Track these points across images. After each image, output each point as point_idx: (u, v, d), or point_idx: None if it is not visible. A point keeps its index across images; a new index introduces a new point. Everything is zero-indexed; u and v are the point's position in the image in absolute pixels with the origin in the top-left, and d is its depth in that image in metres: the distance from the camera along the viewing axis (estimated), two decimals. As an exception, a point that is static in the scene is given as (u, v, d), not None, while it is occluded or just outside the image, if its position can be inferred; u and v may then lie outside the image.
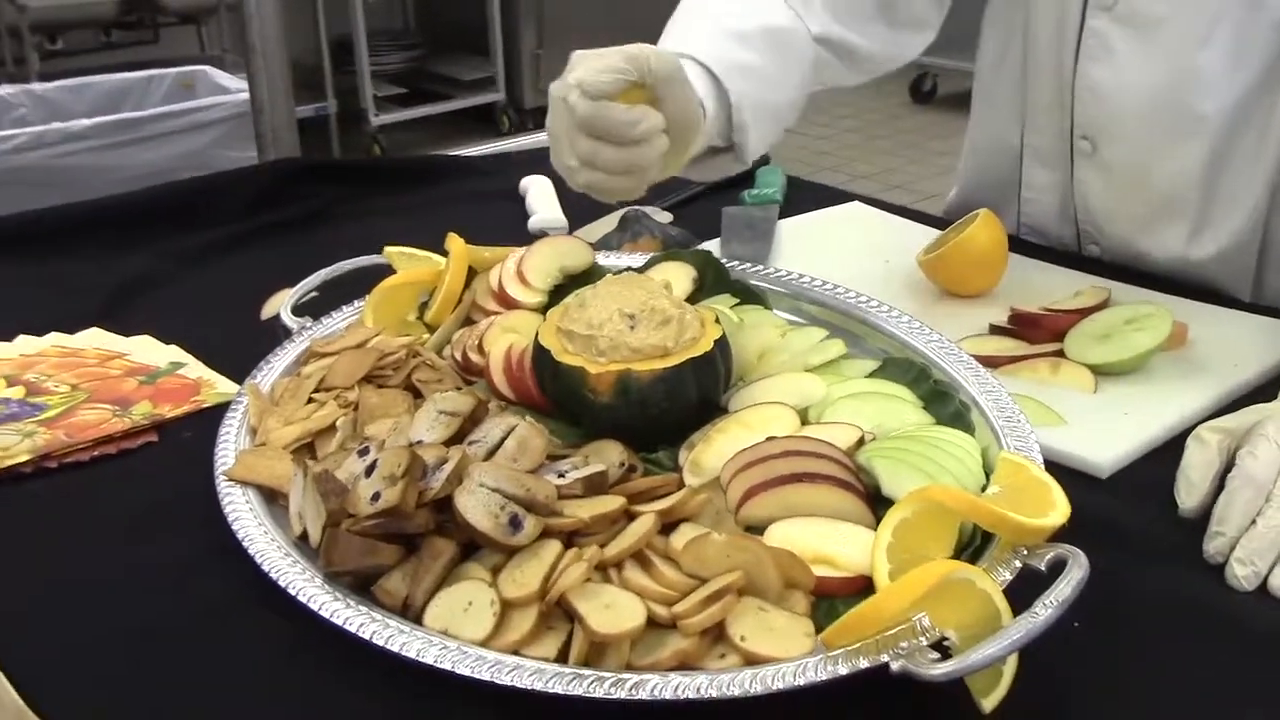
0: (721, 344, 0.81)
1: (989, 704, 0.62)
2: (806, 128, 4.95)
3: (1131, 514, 0.81)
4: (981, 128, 1.31)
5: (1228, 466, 0.78)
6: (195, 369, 1.00)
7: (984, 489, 0.72)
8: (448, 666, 0.63)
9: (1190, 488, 0.79)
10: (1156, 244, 1.15)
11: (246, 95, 1.93)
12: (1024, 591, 0.63)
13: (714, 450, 0.77)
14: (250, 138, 1.83)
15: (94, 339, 1.05)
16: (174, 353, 1.02)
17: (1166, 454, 0.86)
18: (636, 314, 0.80)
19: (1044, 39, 1.15)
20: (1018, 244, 1.22)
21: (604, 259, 1.04)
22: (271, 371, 0.93)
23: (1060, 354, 0.98)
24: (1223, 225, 1.12)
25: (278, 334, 0.99)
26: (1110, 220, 1.18)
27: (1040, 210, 1.24)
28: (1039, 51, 1.17)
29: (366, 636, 0.65)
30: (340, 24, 4.55)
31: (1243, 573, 0.74)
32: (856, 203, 1.38)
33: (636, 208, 1.31)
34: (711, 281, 0.97)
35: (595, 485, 0.74)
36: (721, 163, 1.07)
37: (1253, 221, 1.11)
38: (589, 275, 0.97)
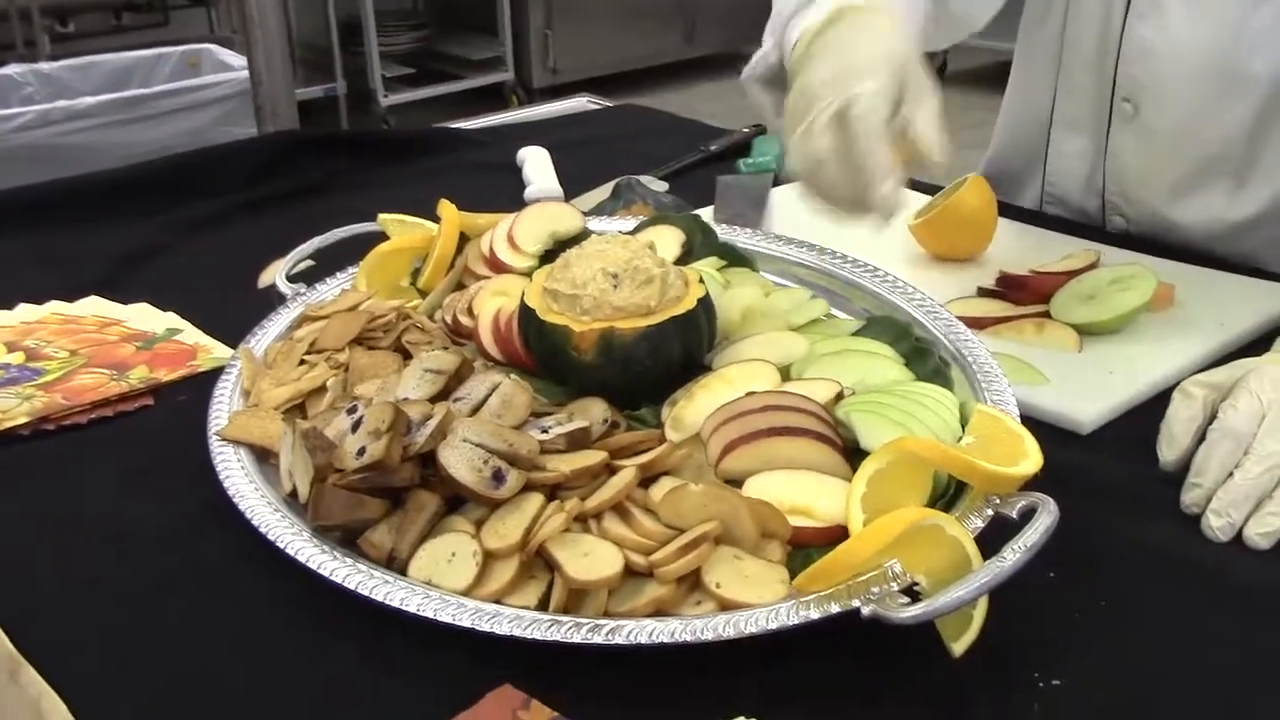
0: (705, 303, 0.82)
1: (959, 648, 0.63)
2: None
3: (1111, 468, 0.82)
4: (1016, 92, 1.30)
5: (1210, 420, 0.79)
6: (192, 335, 1.01)
7: (959, 441, 0.73)
8: (430, 615, 0.64)
9: (1172, 441, 0.79)
10: (1192, 209, 1.14)
11: (247, 73, 1.94)
12: (998, 540, 0.64)
13: (696, 406, 0.78)
14: (253, 115, 1.84)
15: (93, 307, 1.06)
16: (171, 319, 1.04)
17: (1148, 411, 0.87)
18: (620, 273, 0.81)
19: None
20: (1037, 218, 1.23)
21: (595, 224, 1.05)
22: (265, 336, 0.95)
23: (1046, 315, 0.98)
24: (1266, 184, 1.11)
25: (273, 301, 1.01)
26: (1143, 186, 1.16)
27: (1066, 180, 1.23)
28: (1085, 8, 1.15)
29: (353, 587, 0.67)
30: (348, 4, 4.56)
31: (1218, 524, 0.74)
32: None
33: (630, 176, 1.32)
34: (699, 244, 0.97)
35: (578, 441, 0.75)
36: None
37: None
38: (579, 240, 0.98)
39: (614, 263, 0.81)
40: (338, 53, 4.59)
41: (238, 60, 2.42)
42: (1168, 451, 0.80)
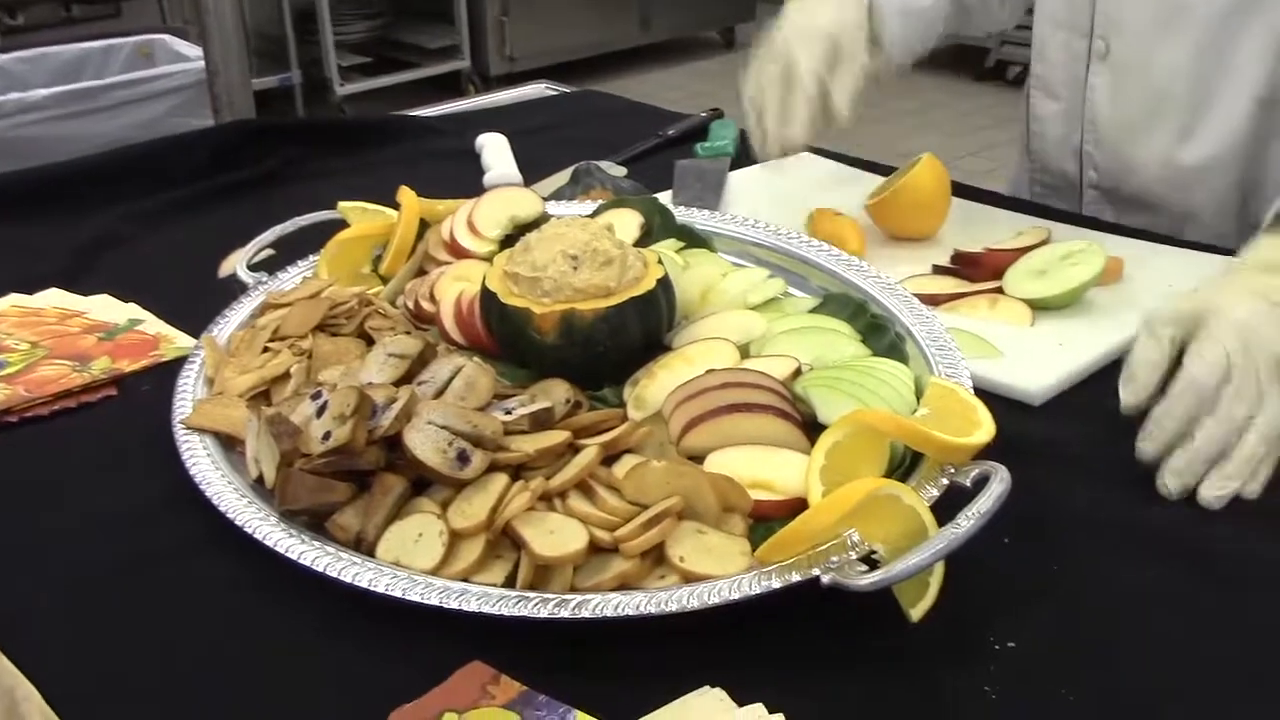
0: (664, 283, 0.83)
1: (916, 614, 0.65)
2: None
3: (1063, 437, 0.84)
4: None
5: (1177, 358, 0.78)
6: (154, 325, 1.01)
7: (914, 413, 0.75)
8: (398, 594, 0.65)
9: (1134, 384, 0.79)
10: (1148, 148, 1.20)
11: (203, 63, 1.93)
12: (954, 508, 0.65)
13: (657, 385, 0.79)
14: (207, 105, 1.83)
15: (53, 299, 1.06)
16: (132, 310, 1.04)
17: (1099, 382, 0.89)
18: (579, 255, 0.82)
19: None
20: (989, 196, 1.26)
21: (554, 208, 1.06)
22: (228, 325, 0.95)
23: (1000, 291, 1.00)
24: (1211, 131, 1.16)
25: (234, 290, 1.01)
26: (1111, 126, 1.23)
27: (1046, 144, 1.31)
28: None
29: (321, 569, 0.68)
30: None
31: (1174, 484, 0.76)
32: (806, 153, 1.40)
33: (589, 161, 1.33)
34: (658, 226, 0.99)
35: (541, 421, 0.76)
36: None
37: (1239, 136, 1.15)
38: (539, 224, 0.99)
39: (574, 245, 0.82)
40: (293, 42, 4.56)
41: (192, 50, 2.40)
42: (1129, 395, 0.79)
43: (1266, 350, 0.77)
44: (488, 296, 0.83)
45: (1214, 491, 0.76)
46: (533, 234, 0.86)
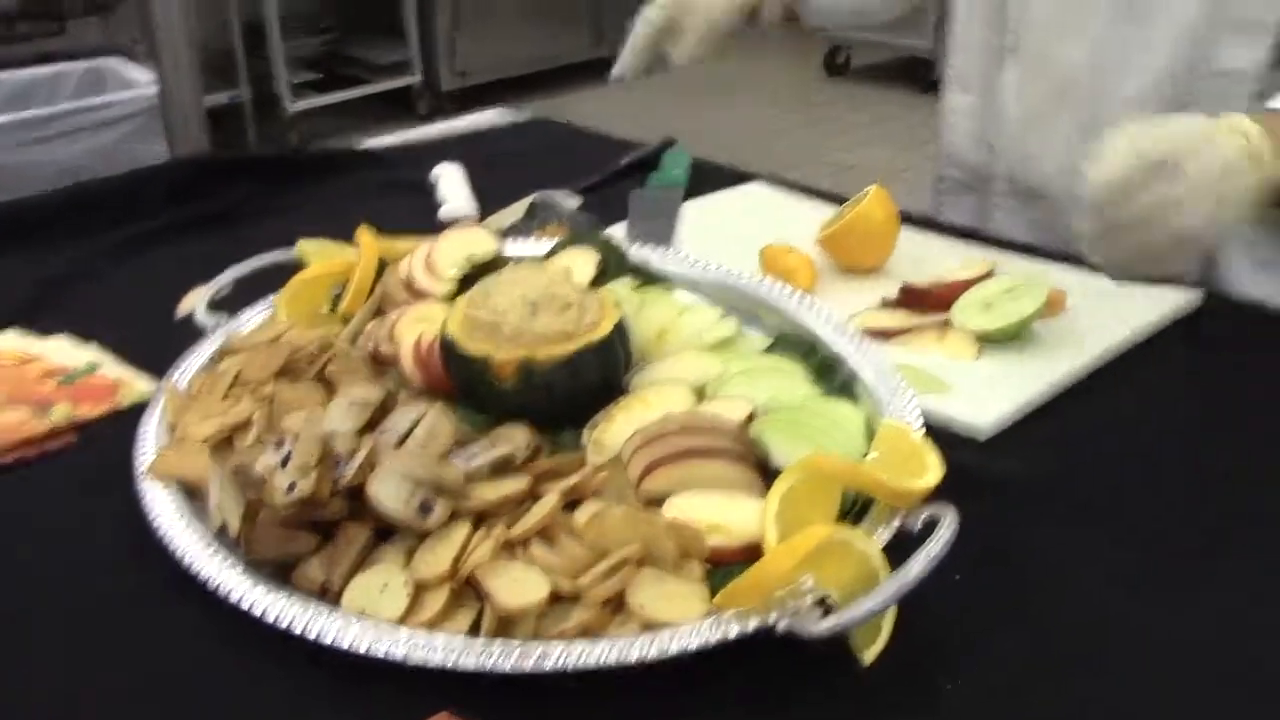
0: (620, 327, 0.85)
1: (869, 656, 0.67)
2: (725, 106, 5.00)
3: (1010, 471, 0.86)
4: None
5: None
6: (113, 369, 1.02)
7: (866, 455, 0.77)
8: (364, 647, 0.67)
9: (1099, 164, 0.91)
10: (1054, 140, 1.27)
11: (155, 90, 1.92)
12: (906, 547, 0.67)
13: (616, 428, 0.81)
14: (160, 131, 1.82)
15: (9, 342, 1.06)
16: (91, 353, 1.04)
17: (1044, 415, 0.92)
18: (538, 300, 0.83)
19: None
20: (934, 224, 1.29)
21: (512, 246, 1.07)
22: (188, 369, 0.96)
23: (947, 324, 1.03)
24: (1112, 125, 1.20)
25: (194, 331, 1.02)
26: (1018, 120, 1.30)
27: (957, 136, 1.38)
28: None
29: (286, 623, 0.69)
30: (251, 8, 4.50)
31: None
32: (757, 183, 1.42)
33: (545, 192, 1.35)
34: (614, 265, 1.00)
35: (502, 468, 0.77)
36: None
37: None
38: (496, 264, 1.01)
39: (532, 290, 0.84)
40: (242, 58, 4.53)
41: (142, 75, 2.38)
42: (1095, 172, 0.90)
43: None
44: (447, 343, 0.84)
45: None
46: (491, 278, 0.87)
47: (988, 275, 1.08)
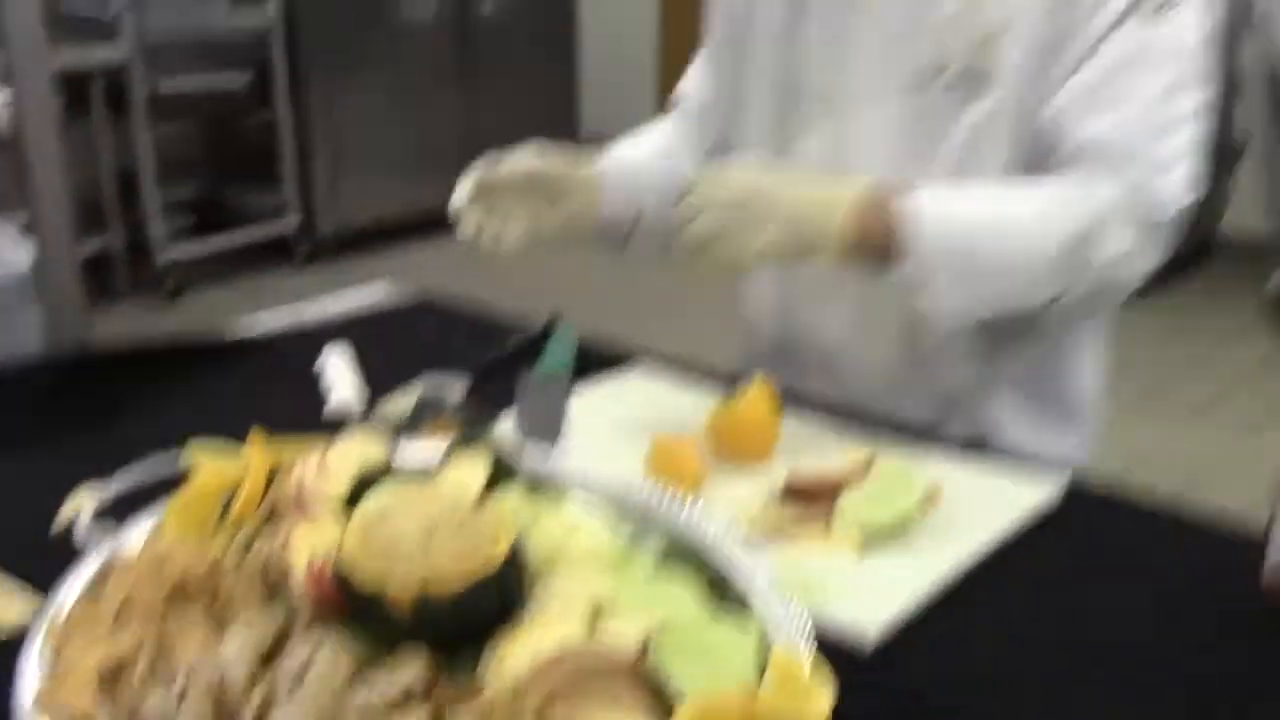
0: (516, 550, 0.86)
1: None
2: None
3: (898, 678, 0.89)
4: None
5: None
6: (-12, 587, 0.99)
7: (762, 676, 0.79)
8: None
9: None
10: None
11: (26, 266, 1.88)
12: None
13: (513, 655, 0.81)
14: (30, 313, 1.76)
15: (-123, 560, 1.02)
16: (-37, 570, 1.01)
17: (928, 616, 0.96)
18: (432, 524, 0.84)
19: None
20: (844, 417, 1.33)
21: (403, 452, 1.08)
22: (70, 591, 0.93)
23: (830, 519, 1.07)
24: None
25: (76, 543, 1.00)
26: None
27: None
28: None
29: None
30: (123, 151, 4.44)
31: None
32: (642, 369, 1.46)
33: (434, 379, 1.36)
34: (505, 474, 1.02)
35: (401, 698, 0.77)
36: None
37: None
38: (385, 473, 1.01)
39: (426, 513, 0.85)
40: (114, 206, 4.46)
41: (11, 253, 2.27)
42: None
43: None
44: (340, 573, 0.84)
45: None
46: (384, 494, 0.88)
47: (868, 463, 1.12)
